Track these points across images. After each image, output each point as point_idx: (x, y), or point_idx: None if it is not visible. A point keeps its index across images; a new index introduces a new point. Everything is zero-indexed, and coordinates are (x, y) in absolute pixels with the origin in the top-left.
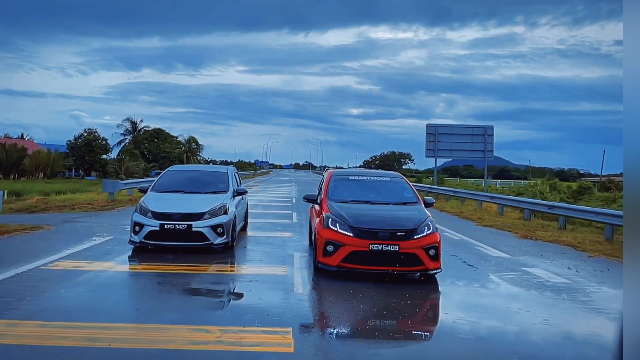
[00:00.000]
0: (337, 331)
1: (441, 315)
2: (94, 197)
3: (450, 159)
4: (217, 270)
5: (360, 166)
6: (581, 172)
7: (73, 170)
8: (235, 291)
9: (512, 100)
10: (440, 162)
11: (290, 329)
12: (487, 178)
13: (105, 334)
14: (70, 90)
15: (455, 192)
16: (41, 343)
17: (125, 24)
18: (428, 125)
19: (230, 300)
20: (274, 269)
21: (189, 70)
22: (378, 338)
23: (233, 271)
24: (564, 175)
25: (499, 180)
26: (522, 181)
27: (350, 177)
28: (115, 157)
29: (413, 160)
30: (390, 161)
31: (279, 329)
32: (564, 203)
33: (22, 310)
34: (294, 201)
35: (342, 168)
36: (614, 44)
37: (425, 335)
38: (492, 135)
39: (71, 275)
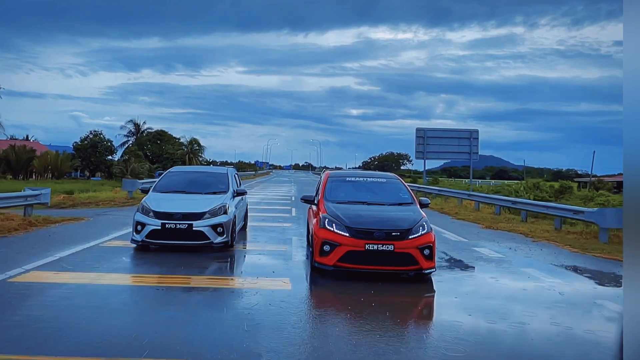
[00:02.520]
0: (322, 281)
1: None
2: (113, 195)
3: (449, 160)
4: (233, 248)
5: (359, 167)
6: (579, 172)
7: (79, 171)
8: (249, 259)
9: (512, 100)
10: (440, 163)
11: (288, 278)
12: (486, 178)
13: (168, 280)
14: (69, 91)
15: (439, 190)
16: (125, 284)
17: (125, 25)
18: (417, 129)
19: (245, 264)
20: (277, 247)
21: (188, 71)
22: (352, 281)
23: (245, 248)
24: (561, 175)
25: (493, 181)
26: (517, 182)
27: (347, 179)
28: (119, 158)
29: (411, 161)
30: (389, 162)
31: (281, 278)
32: (525, 199)
33: (103, 269)
34: (293, 199)
35: (341, 169)
36: (613, 45)
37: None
38: (477, 138)
39: (125, 249)
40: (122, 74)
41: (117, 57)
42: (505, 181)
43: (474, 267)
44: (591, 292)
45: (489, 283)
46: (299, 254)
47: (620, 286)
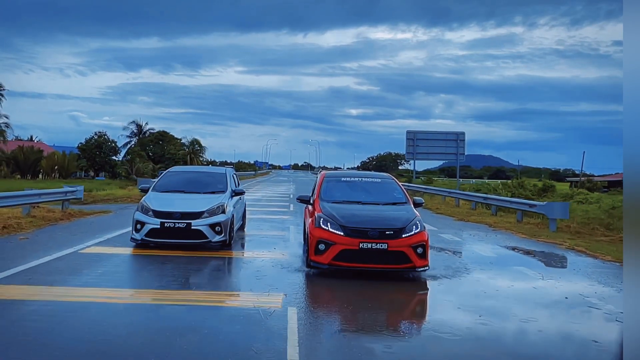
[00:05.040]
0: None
1: None
2: (127, 192)
3: (443, 162)
4: (243, 234)
5: (358, 167)
6: (577, 172)
7: (83, 170)
8: (255, 241)
9: (511, 100)
10: (439, 163)
11: (287, 252)
12: (483, 178)
13: (194, 254)
14: (68, 91)
15: (426, 188)
16: (165, 254)
17: (124, 25)
18: (408, 132)
19: (252, 244)
20: (277, 232)
21: (187, 71)
22: None
23: (252, 234)
24: (559, 175)
25: (487, 180)
26: (501, 181)
27: (343, 179)
28: (122, 158)
29: (409, 161)
30: (387, 162)
31: (280, 251)
32: (494, 195)
33: (145, 246)
34: (291, 196)
35: (340, 169)
36: (612, 45)
37: None
38: (464, 140)
39: None
40: (121, 74)
41: (116, 57)
42: (499, 181)
43: (433, 246)
44: (515, 262)
45: (439, 255)
46: (295, 238)
47: (541, 259)
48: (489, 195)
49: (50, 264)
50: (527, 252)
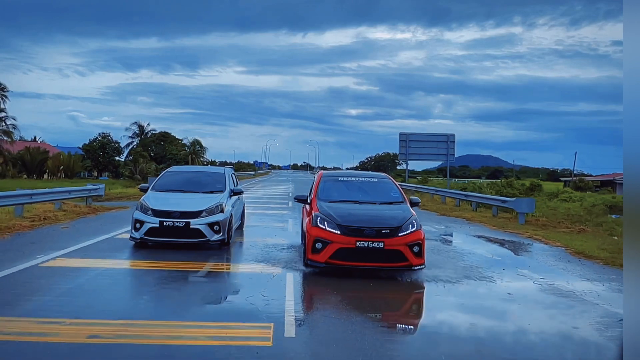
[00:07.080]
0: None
1: None
2: (138, 191)
3: (441, 162)
4: (248, 224)
5: (357, 167)
6: (575, 172)
7: (87, 171)
8: (257, 230)
9: (511, 100)
10: (435, 164)
11: (285, 239)
12: (481, 178)
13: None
14: (68, 91)
15: (416, 187)
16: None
17: (123, 25)
18: (401, 134)
19: (256, 232)
20: (277, 224)
21: (187, 71)
22: None
23: (255, 224)
24: (556, 175)
25: (482, 180)
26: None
27: (340, 178)
28: (124, 158)
29: (404, 162)
30: (385, 162)
31: (280, 238)
32: (474, 192)
33: None
34: (290, 194)
35: (339, 169)
36: (612, 45)
37: None
38: (454, 142)
39: None
40: (120, 74)
41: (115, 57)
42: (483, 180)
43: None
44: (476, 246)
45: None
46: (293, 228)
47: (499, 244)
48: (469, 193)
49: (95, 245)
50: (490, 240)
